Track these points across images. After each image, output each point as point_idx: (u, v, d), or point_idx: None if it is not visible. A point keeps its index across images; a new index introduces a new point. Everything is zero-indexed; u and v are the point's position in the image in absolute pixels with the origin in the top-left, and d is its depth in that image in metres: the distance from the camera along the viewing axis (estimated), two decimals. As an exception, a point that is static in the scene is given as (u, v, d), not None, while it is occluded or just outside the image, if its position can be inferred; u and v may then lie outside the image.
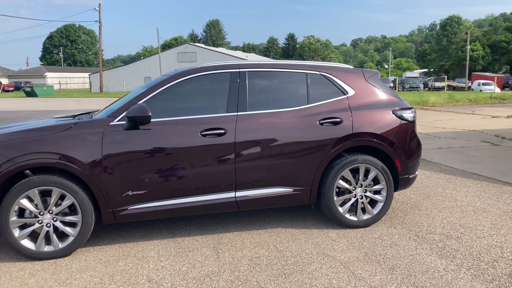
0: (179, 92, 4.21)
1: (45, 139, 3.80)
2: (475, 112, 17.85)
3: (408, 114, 4.60)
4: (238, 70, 4.33)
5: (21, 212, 3.78)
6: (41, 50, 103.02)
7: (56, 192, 3.75)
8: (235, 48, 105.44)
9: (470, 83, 48.27)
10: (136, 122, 3.89)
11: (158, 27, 73.68)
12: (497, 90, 39.92)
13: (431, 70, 79.74)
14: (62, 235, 3.87)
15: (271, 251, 3.94)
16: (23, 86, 51.78)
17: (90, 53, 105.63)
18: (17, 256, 3.89)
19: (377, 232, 4.33)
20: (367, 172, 4.44)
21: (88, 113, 4.95)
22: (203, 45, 70.73)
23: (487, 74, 53.58)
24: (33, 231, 3.79)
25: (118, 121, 3.96)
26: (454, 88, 46.93)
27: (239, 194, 4.18)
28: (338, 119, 4.33)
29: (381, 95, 4.63)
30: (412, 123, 4.63)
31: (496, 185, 6.05)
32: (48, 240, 3.83)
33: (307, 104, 4.37)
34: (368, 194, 4.47)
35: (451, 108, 21.00)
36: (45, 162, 3.74)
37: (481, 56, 65.82)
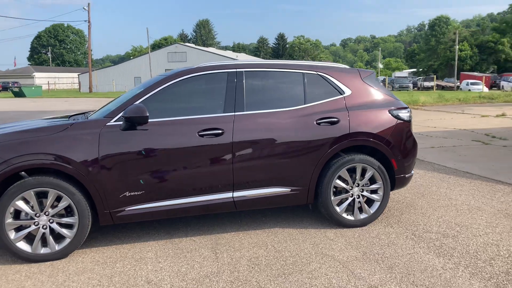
0: (176, 92, 4.19)
1: (41, 140, 3.75)
2: (465, 112, 18.04)
3: (404, 114, 4.63)
4: (235, 70, 4.32)
5: (17, 214, 3.73)
6: (29, 50, 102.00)
7: (52, 194, 3.71)
8: (225, 48, 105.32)
9: (459, 83, 48.77)
10: (134, 122, 3.86)
11: (148, 26, 73.38)
12: (485, 89, 40.38)
13: (420, 69, 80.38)
14: (58, 237, 3.83)
15: (269, 251, 3.93)
16: (11, 86, 51.17)
17: (79, 53, 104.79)
18: (13, 258, 3.83)
19: (374, 231, 4.35)
20: (364, 172, 4.46)
21: (83, 113, 4.91)
22: (193, 45, 70.58)
23: (475, 74, 54.17)
24: (29, 233, 3.75)
25: (115, 121, 3.93)
26: (443, 88, 47.33)
27: (237, 194, 4.17)
28: (335, 119, 4.34)
29: (377, 94, 4.65)
30: (408, 123, 4.66)
31: (489, 184, 6.11)
32: (44, 242, 3.78)
33: (304, 104, 4.37)
34: (365, 193, 4.49)
35: (441, 107, 21.20)
36: (41, 163, 3.69)
37: (469, 56, 66.51)
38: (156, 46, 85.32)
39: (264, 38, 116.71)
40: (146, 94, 4.08)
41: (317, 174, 4.33)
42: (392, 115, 4.55)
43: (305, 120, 4.30)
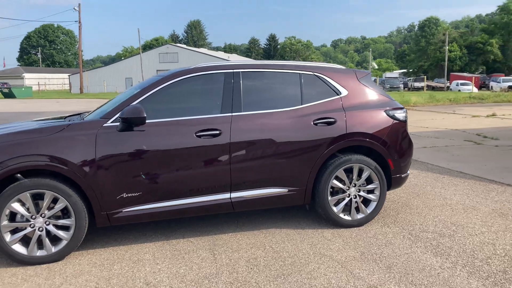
0: (173, 93, 4.17)
1: (37, 141, 3.71)
2: (456, 112, 18.20)
3: (400, 114, 4.66)
4: (232, 70, 4.31)
5: (13, 216, 3.68)
6: (18, 50, 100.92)
7: (48, 195, 3.67)
8: (217, 49, 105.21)
9: (449, 83, 49.18)
10: (131, 123, 3.83)
11: (138, 27, 73.00)
12: (475, 90, 40.75)
13: (410, 70, 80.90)
14: (55, 239, 3.78)
15: (267, 251, 3.93)
16: (0, 87, 50.55)
17: (69, 53, 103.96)
18: (9, 261, 3.79)
19: (371, 231, 4.37)
20: (360, 172, 4.47)
21: (78, 114, 4.87)
22: (184, 46, 70.41)
23: (465, 74, 54.64)
24: (25, 235, 3.70)
25: (111, 122, 3.90)
26: (433, 88, 47.72)
27: (234, 195, 4.16)
28: (332, 119, 4.35)
29: (373, 95, 4.67)
30: (404, 123, 4.68)
31: (483, 183, 6.17)
32: (40, 244, 3.74)
33: (301, 105, 4.38)
34: (361, 193, 4.51)
35: (432, 108, 21.36)
36: (37, 165, 3.65)
37: (459, 56, 67.08)
38: (147, 47, 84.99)
39: (255, 39, 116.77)
40: (143, 95, 4.05)
41: (314, 175, 4.34)
42: (388, 115, 4.57)
43: (302, 120, 4.30)
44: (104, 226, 4.00)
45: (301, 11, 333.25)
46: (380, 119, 4.53)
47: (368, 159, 4.45)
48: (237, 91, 4.24)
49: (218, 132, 4.04)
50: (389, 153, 4.51)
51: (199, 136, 4.00)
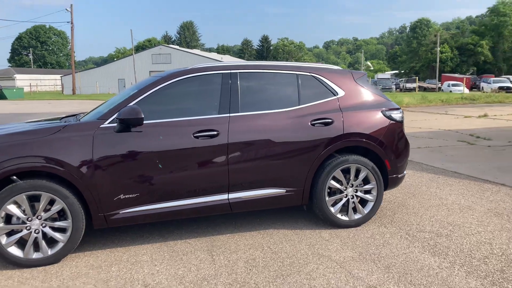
0: (171, 94, 4.15)
1: (32, 142, 3.67)
2: (448, 113, 18.32)
3: (396, 114, 4.67)
4: (229, 71, 4.30)
5: (8, 218, 3.64)
6: (10, 51, 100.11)
7: (45, 197, 3.63)
8: (210, 50, 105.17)
9: (440, 84, 49.51)
10: (128, 124, 3.81)
11: (131, 28, 72.68)
12: (466, 91, 41.02)
13: (402, 71, 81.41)
14: (51, 241, 3.75)
15: (266, 252, 3.92)
16: (-9, 89, 50.10)
17: (61, 54, 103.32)
18: (4, 264, 3.74)
19: (368, 232, 4.38)
20: (357, 172, 4.48)
21: (74, 115, 4.83)
22: (177, 47, 70.29)
23: (456, 75, 55.10)
24: (21, 237, 3.66)
25: (108, 123, 3.87)
26: (425, 89, 48.00)
27: (232, 196, 4.15)
28: (329, 120, 4.35)
29: (370, 95, 4.68)
30: (400, 123, 4.70)
31: (477, 183, 6.21)
32: (36, 247, 3.70)
33: (299, 105, 4.38)
34: (359, 193, 4.52)
35: (424, 108, 21.49)
36: (33, 166, 3.61)
37: (450, 57, 67.64)
38: (140, 48, 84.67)
39: (248, 40, 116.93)
40: (140, 96, 4.03)
41: (312, 175, 4.34)
42: (385, 115, 4.59)
43: (299, 121, 4.30)
44: (101, 228, 3.96)
45: (293, 12, 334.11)
46: (376, 119, 4.54)
47: (365, 159, 4.46)
48: (234, 92, 4.23)
49: (215, 133, 4.03)
50: (386, 153, 4.53)
51: (197, 137, 3.98)
